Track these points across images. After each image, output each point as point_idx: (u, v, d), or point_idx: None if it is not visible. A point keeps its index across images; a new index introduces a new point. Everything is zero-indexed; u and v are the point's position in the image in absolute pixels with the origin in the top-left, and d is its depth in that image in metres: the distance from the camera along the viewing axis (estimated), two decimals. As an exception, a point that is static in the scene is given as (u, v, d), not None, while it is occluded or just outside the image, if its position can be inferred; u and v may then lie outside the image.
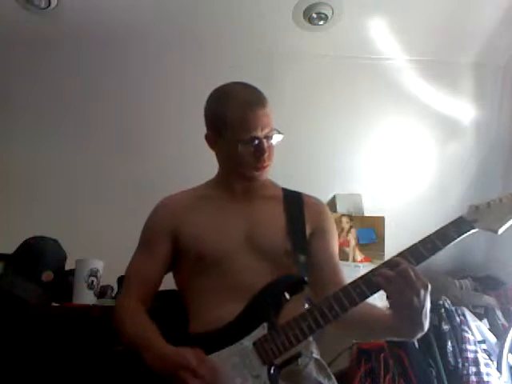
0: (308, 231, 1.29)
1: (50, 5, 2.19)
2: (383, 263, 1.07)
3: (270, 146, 1.25)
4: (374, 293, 1.05)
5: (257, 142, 1.22)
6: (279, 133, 1.26)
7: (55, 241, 1.82)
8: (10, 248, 1.79)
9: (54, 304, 1.69)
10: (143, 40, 2.43)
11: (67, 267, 1.85)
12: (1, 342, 1.53)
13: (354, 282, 1.07)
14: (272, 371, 1.02)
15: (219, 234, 1.24)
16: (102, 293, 1.83)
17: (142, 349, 1.07)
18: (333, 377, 1.24)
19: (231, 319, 1.10)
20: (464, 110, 2.78)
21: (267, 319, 1.07)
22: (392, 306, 1.05)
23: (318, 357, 1.25)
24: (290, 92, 2.58)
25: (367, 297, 1.05)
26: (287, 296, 1.11)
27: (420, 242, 1.09)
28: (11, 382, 1.52)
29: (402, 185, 2.92)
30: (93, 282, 1.74)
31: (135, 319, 1.17)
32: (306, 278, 1.15)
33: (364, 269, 2.15)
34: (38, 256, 1.74)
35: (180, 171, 2.52)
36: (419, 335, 1.05)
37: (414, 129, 2.81)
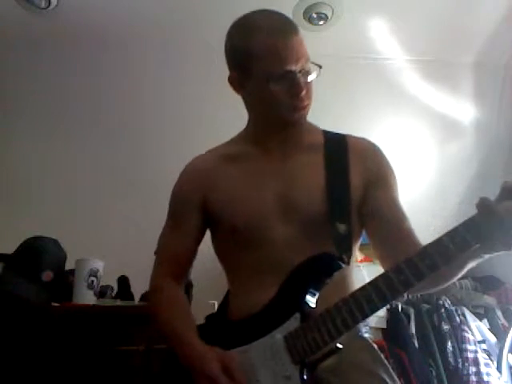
0: (359, 184, 1.08)
1: (49, 5, 2.19)
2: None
3: (308, 83, 1.04)
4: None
5: (292, 76, 1.02)
6: (317, 65, 1.05)
7: (55, 241, 1.82)
8: (10, 248, 1.79)
9: (54, 304, 1.69)
10: (143, 40, 2.43)
11: (67, 267, 1.85)
12: (1, 341, 1.53)
13: (396, 268, 0.87)
14: (305, 375, 0.92)
15: (252, 202, 1.08)
16: (102, 293, 1.83)
17: (174, 345, 1.02)
18: (383, 359, 1.06)
19: (264, 305, 0.99)
20: (464, 109, 2.78)
21: (300, 308, 0.95)
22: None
23: (366, 335, 1.11)
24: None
25: (413, 283, 0.85)
26: (322, 280, 0.97)
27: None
28: (12, 382, 1.52)
29: (401, 185, 2.91)
30: (93, 281, 1.74)
31: (170, 308, 1.08)
32: (344, 257, 0.98)
33: (365, 268, 2.15)
34: (38, 256, 1.74)
35: (181, 171, 2.52)
36: None
37: (414, 129, 2.81)
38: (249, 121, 1.19)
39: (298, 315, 0.95)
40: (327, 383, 0.96)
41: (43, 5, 2.18)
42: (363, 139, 1.18)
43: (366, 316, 0.89)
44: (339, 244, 1.01)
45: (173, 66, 2.53)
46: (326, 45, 2.51)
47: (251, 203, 1.08)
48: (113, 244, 2.29)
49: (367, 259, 2.52)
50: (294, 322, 0.94)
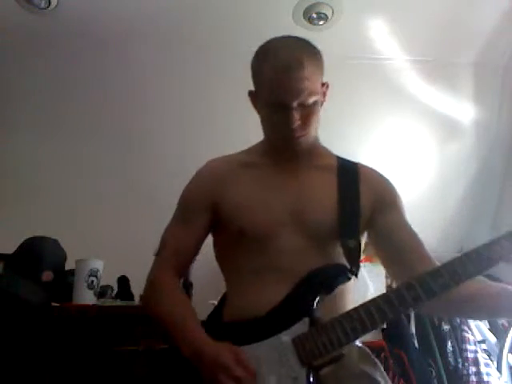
0: (367, 207, 1.14)
1: (49, 5, 2.19)
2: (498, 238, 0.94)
3: (308, 114, 1.08)
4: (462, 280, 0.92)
5: (284, 110, 1.06)
6: (320, 103, 1.12)
7: (55, 241, 1.83)
8: (10, 248, 1.79)
9: (54, 304, 1.69)
10: (143, 40, 2.43)
11: (67, 267, 1.86)
12: (1, 341, 1.53)
13: (416, 279, 0.93)
14: (311, 377, 0.94)
15: (263, 207, 1.11)
16: (101, 293, 1.83)
17: (178, 339, 0.99)
18: (379, 364, 1.12)
19: (270, 308, 1.01)
20: (464, 110, 2.78)
21: (309, 314, 0.98)
22: None
23: (361, 344, 1.13)
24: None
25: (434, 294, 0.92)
26: (331, 289, 1.02)
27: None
28: (11, 382, 1.52)
29: (402, 185, 2.91)
30: (93, 281, 1.74)
31: (173, 301, 1.07)
32: (354, 268, 1.05)
33: (365, 268, 2.15)
34: (38, 256, 1.74)
35: (180, 171, 2.52)
36: None
37: (414, 129, 2.81)
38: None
39: (306, 320, 0.97)
40: None
41: (43, 5, 2.18)
42: (373, 169, 1.26)
43: (375, 325, 0.94)
44: (349, 258, 1.07)
45: (173, 66, 2.53)
46: (326, 45, 2.49)
47: (261, 210, 1.11)
48: (113, 244, 2.29)
49: (367, 259, 2.52)
50: (302, 326, 0.97)
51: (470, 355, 2.23)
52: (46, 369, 1.54)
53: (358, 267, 1.08)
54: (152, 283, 1.13)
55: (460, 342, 2.27)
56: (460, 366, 2.20)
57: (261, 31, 2.44)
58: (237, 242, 1.12)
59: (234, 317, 1.07)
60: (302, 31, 2.41)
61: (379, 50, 2.57)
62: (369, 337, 2.25)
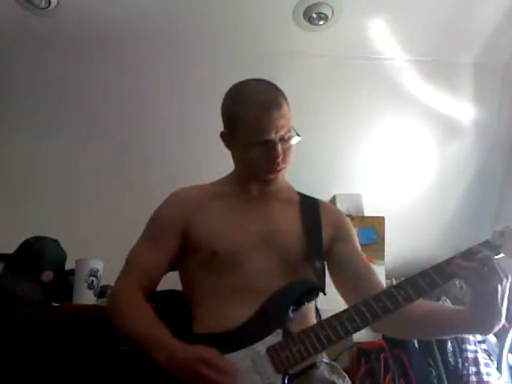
0: (327, 237, 1.27)
1: (49, 5, 2.19)
2: (454, 256, 1.04)
3: (286, 149, 1.20)
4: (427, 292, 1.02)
5: (270, 145, 1.17)
6: (297, 135, 1.22)
7: (55, 241, 1.82)
8: (10, 248, 1.79)
9: (54, 304, 1.69)
10: (143, 40, 2.43)
11: (67, 267, 1.85)
12: (0, 342, 1.53)
13: (395, 286, 1.03)
14: (286, 381, 0.97)
15: (235, 233, 1.20)
16: (101, 293, 1.83)
17: (151, 348, 1.00)
18: (346, 376, 1.19)
19: (243, 322, 1.05)
20: (464, 110, 2.78)
21: (281, 325, 1.03)
22: (475, 296, 1.02)
23: (328, 361, 1.20)
24: (289, 92, 2.57)
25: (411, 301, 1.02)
26: (303, 302, 1.09)
27: (445, 261, 1.06)
28: (11, 382, 1.52)
29: (402, 185, 2.92)
30: (93, 281, 1.74)
31: (139, 312, 1.09)
32: (320, 285, 1.14)
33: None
34: (38, 256, 1.74)
35: (180, 171, 2.52)
36: (498, 328, 1.02)
37: (414, 129, 2.81)
38: (235, 168, 1.34)
39: (280, 331, 1.02)
40: None
41: (43, 5, 2.18)
42: (331, 205, 1.38)
43: (348, 333, 1.00)
44: (318, 277, 1.18)
45: (173, 66, 2.53)
46: (326, 45, 2.51)
47: (234, 235, 1.19)
48: (113, 244, 2.28)
49: (367, 259, 2.51)
50: (275, 337, 1.02)
51: (470, 355, 2.23)
52: (46, 369, 1.54)
53: (324, 284, 1.19)
54: (118, 296, 1.17)
55: (460, 341, 2.27)
56: (460, 365, 2.21)
57: (261, 31, 2.46)
58: (207, 265, 1.18)
59: (206, 330, 1.08)
60: (302, 31, 2.42)
61: (379, 50, 2.57)
62: (369, 337, 2.27)
